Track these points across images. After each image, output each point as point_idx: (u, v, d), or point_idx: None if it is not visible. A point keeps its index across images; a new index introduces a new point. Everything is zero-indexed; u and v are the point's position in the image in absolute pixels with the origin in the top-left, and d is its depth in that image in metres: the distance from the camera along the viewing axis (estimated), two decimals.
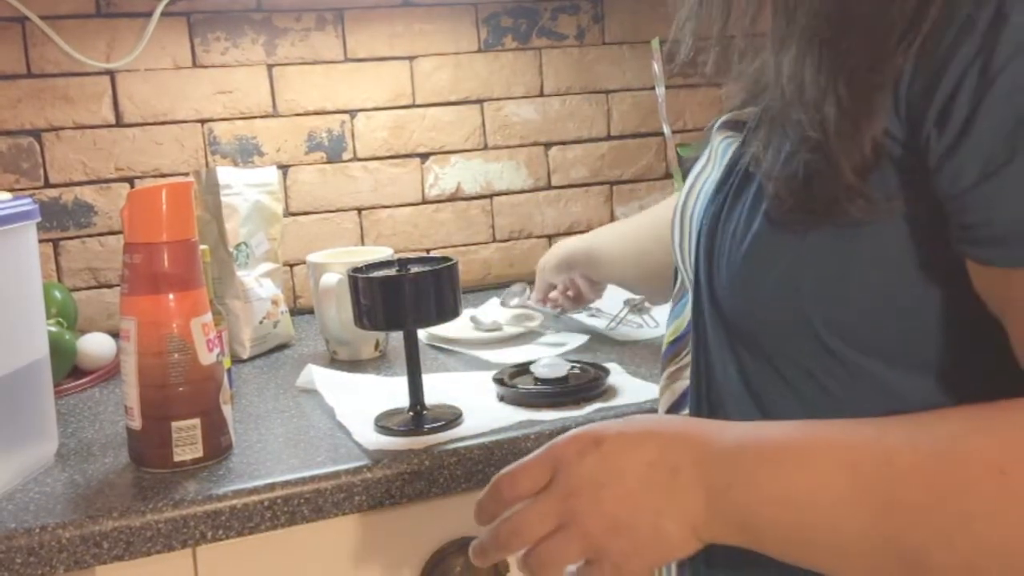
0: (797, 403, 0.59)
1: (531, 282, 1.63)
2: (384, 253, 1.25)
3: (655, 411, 0.97)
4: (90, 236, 1.42)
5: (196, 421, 0.89)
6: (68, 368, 1.20)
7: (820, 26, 0.55)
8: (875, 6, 0.53)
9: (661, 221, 1.08)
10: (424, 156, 1.57)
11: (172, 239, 0.88)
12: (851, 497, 0.51)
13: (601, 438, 0.58)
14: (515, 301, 1.34)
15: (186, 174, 1.44)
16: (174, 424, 0.88)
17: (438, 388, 1.05)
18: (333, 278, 1.18)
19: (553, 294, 1.31)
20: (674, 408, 0.71)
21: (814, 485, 0.52)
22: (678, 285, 0.74)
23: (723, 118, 0.71)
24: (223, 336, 1.03)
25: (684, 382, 0.69)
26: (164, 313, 0.87)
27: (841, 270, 0.55)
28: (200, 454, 0.89)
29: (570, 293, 1.29)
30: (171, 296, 0.88)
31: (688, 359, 0.69)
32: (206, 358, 0.89)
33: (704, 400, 0.65)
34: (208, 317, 0.91)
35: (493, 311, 1.37)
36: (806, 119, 0.55)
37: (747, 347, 0.61)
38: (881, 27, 0.52)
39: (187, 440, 0.88)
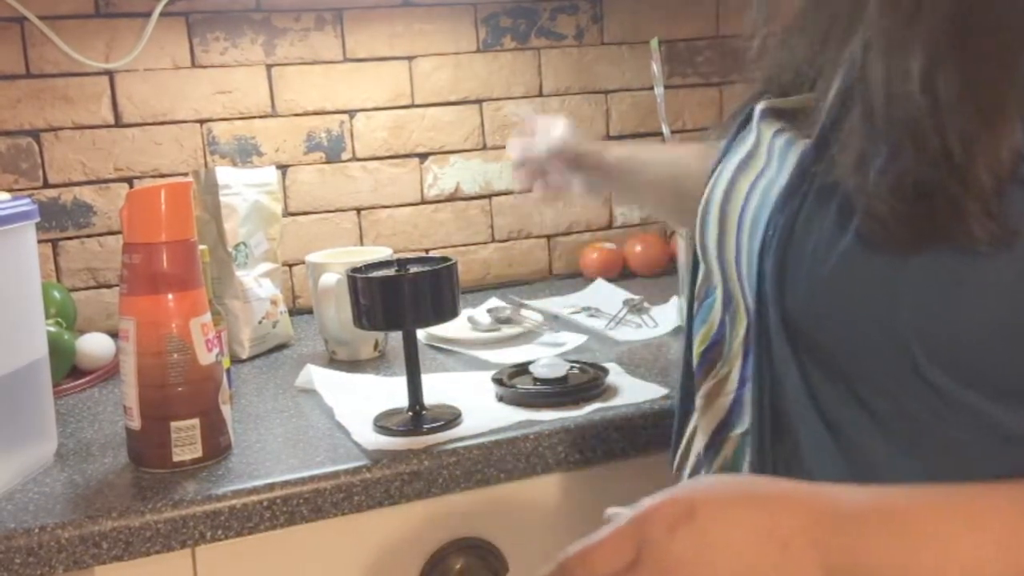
0: (879, 432, 0.54)
1: (527, 283, 1.63)
2: (383, 253, 1.25)
3: (667, 419, 0.98)
4: (89, 236, 1.42)
5: (195, 421, 0.89)
6: (67, 368, 1.20)
7: (949, 28, 0.51)
8: (1004, 6, 0.50)
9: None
10: (423, 156, 1.57)
11: (171, 239, 0.88)
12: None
13: (694, 507, 0.50)
14: (506, 313, 1.33)
15: (185, 174, 1.44)
16: (173, 424, 0.88)
17: (437, 388, 1.05)
18: (332, 278, 1.18)
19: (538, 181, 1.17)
20: (721, 430, 0.65)
21: (944, 561, 0.47)
22: (700, 281, 0.69)
23: (763, 105, 0.65)
24: (222, 336, 1.03)
25: (726, 398, 0.64)
26: (163, 313, 0.87)
27: (950, 297, 0.49)
28: (199, 454, 0.89)
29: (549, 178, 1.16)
30: (170, 296, 0.88)
31: (726, 371, 0.64)
32: (205, 358, 0.89)
33: (768, 423, 0.59)
34: (207, 317, 0.91)
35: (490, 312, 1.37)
36: (932, 126, 0.50)
37: (824, 370, 0.56)
38: (1012, 28, 0.49)
39: (186, 440, 0.88)
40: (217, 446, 0.90)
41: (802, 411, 0.56)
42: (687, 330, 0.72)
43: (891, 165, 0.51)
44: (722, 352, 0.65)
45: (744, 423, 0.63)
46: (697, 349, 0.68)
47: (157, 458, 0.89)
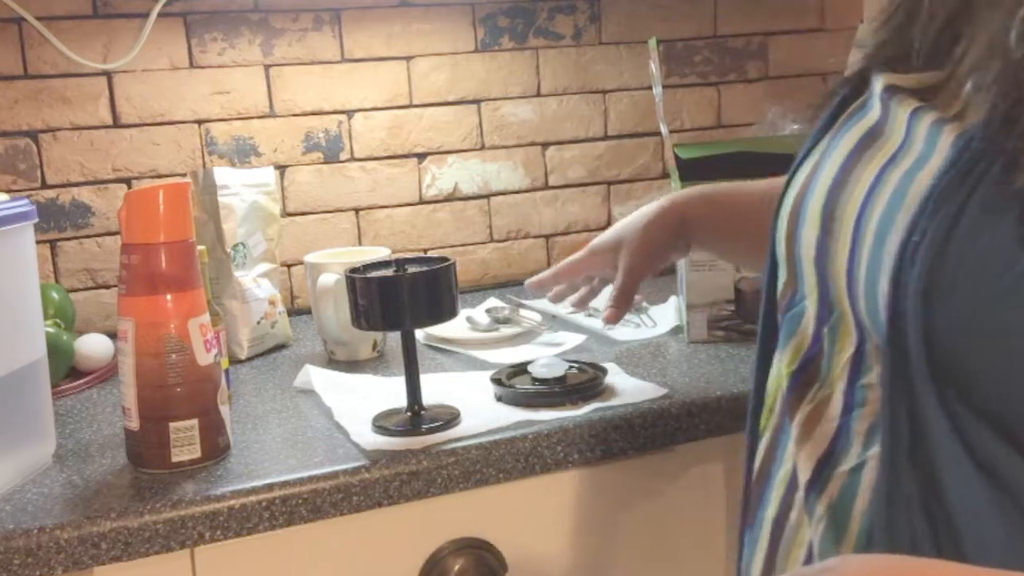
0: None
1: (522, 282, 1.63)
2: (381, 253, 1.25)
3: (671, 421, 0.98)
4: (87, 237, 1.42)
5: (194, 422, 0.89)
6: (66, 369, 1.20)
7: None
8: None
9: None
10: (421, 156, 1.57)
11: (169, 240, 0.88)
12: None
13: None
14: (505, 313, 1.33)
15: (183, 175, 1.44)
16: (172, 425, 0.88)
17: (436, 388, 1.05)
18: (331, 278, 1.18)
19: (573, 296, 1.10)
20: (825, 465, 0.56)
21: None
22: (781, 288, 0.62)
23: (885, 80, 0.57)
24: (221, 337, 1.03)
25: (828, 426, 0.56)
26: (162, 314, 0.87)
27: None
28: (198, 455, 0.89)
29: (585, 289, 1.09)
30: (169, 297, 0.88)
31: (826, 394, 0.56)
32: (204, 358, 0.89)
33: (906, 466, 0.49)
34: (206, 317, 0.91)
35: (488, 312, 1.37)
36: None
37: (976, 404, 0.46)
38: None
39: (185, 441, 0.88)
40: (216, 447, 0.90)
41: (945, 448, 0.47)
42: (760, 344, 0.64)
43: None
44: (818, 372, 0.57)
45: (852, 457, 0.54)
46: (787, 368, 0.59)
47: (156, 459, 0.89)
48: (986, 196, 0.46)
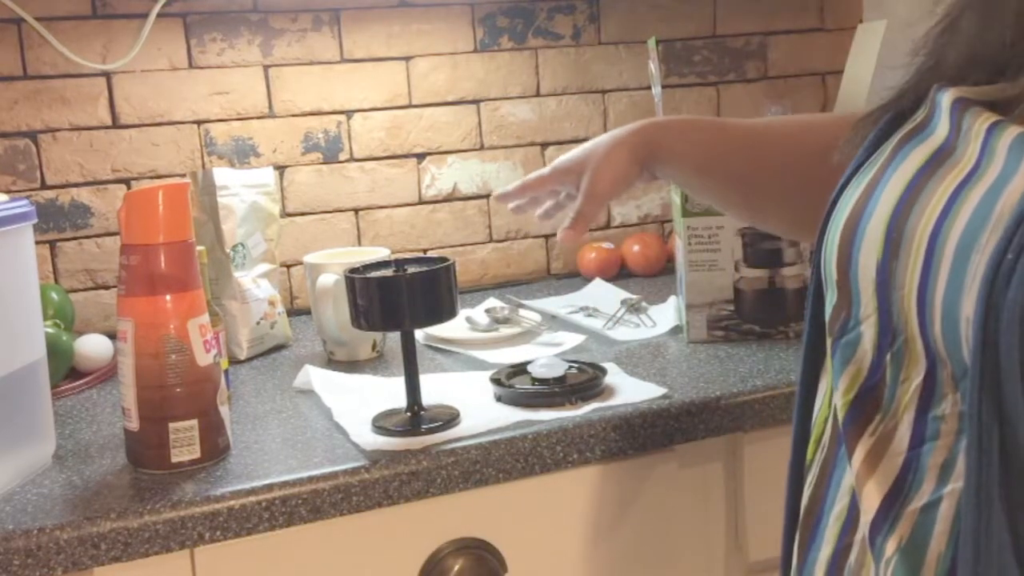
0: None
1: (525, 282, 1.63)
2: (381, 253, 1.25)
3: (662, 412, 0.98)
4: (87, 237, 1.42)
5: (194, 422, 0.89)
6: (65, 369, 1.20)
7: None
8: None
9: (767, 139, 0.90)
10: (421, 156, 1.57)
11: (169, 240, 0.88)
12: None
13: None
14: (504, 313, 1.33)
15: (183, 175, 1.44)
16: (171, 425, 0.88)
17: (435, 388, 1.05)
18: (330, 279, 1.18)
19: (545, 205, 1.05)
20: (892, 501, 0.52)
21: None
22: (832, 311, 0.58)
23: (955, 93, 0.54)
24: (220, 337, 1.03)
25: (895, 460, 0.52)
26: (161, 314, 0.87)
27: None
28: (197, 455, 0.89)
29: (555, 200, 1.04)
30: (168, 297, 0.88)
31: (891, 426, 0.53)
32: (203, 359, 0.89)
33: (997, 507, 0.45)
34: (205, 318, 0.91)
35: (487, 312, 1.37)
36: None
37: None
38: None
39: (185, 441, 0.88)
40: (215, 447, 0.90)
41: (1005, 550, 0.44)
42: (804, 372, 0.62)
43: None
44: (880, 402, 0.54)
45: (925, 494, 0.50)
46: (843, 397, 0.55)
47: (155, 459, 0.89)
48: None
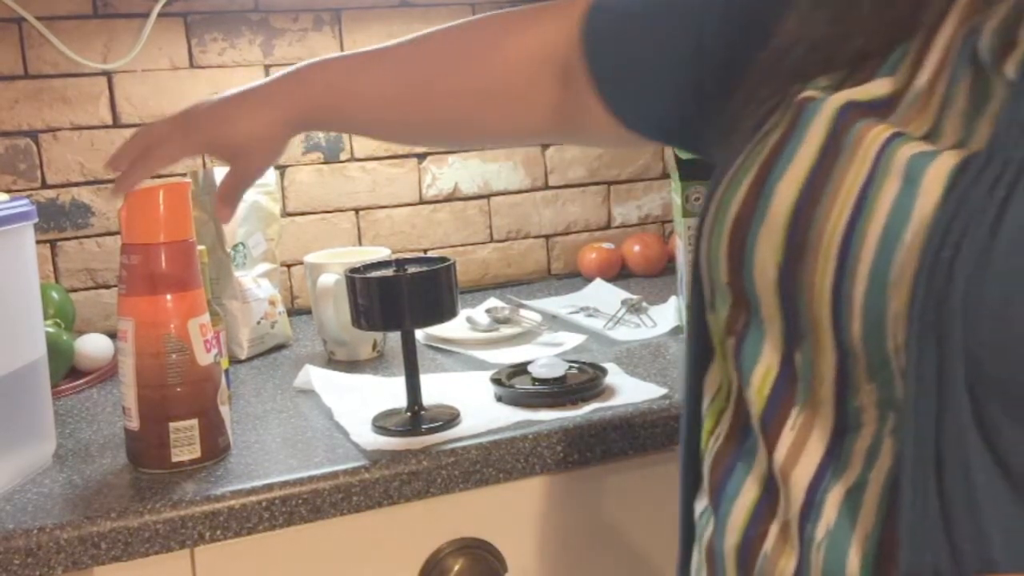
0: None
1: (525, 283, 1.63)
2: (382, 253, 1.25)
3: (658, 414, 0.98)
4: (87, 237, 1.42)
5: (194, 422, 0.89)
6: (66, 369, 1.20)
7: None
8: None
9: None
10: (421, 156, 1.57)
11: (170, 240, 0.88)
12: None
13: None
14: (505, 313, 1.33)
15: (183, 175, 1.44)
16: (172, 425, 0.88)
17: (436, 388, 1.05)
18: (331, 278, 1.18)
19: None
20: (815, 489, 0.53)
21: None
22: (728, 312, 0.59)
23: (842, 99, 0.55)
24: (221, 337, 1.03)
25: (817, 450, 0.54)
26: (162, 314, 0.87)
27: None
28: (198, 455, 0.89)
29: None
30: (169, 297, 0.88)
31: (803, 417, 0.54)
32: (204, 358, 0.89)
33: (933, 486, 0.46)
34: (206, 317, 0.91)
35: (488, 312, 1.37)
36: None
37: (1013, 411, 0.45)
38: None
39: (185, 441, 0.88)
40: (216, 447, 0.90)
41: (978, 462, 0.46)
42: (691, 368, 0.63)
43: None
44: (794, 398, 0.55)
45: (851, 478, 0.52)
46: (758, 395, 0.56)
47: (156, 459, 0.89)
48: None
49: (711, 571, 0.60)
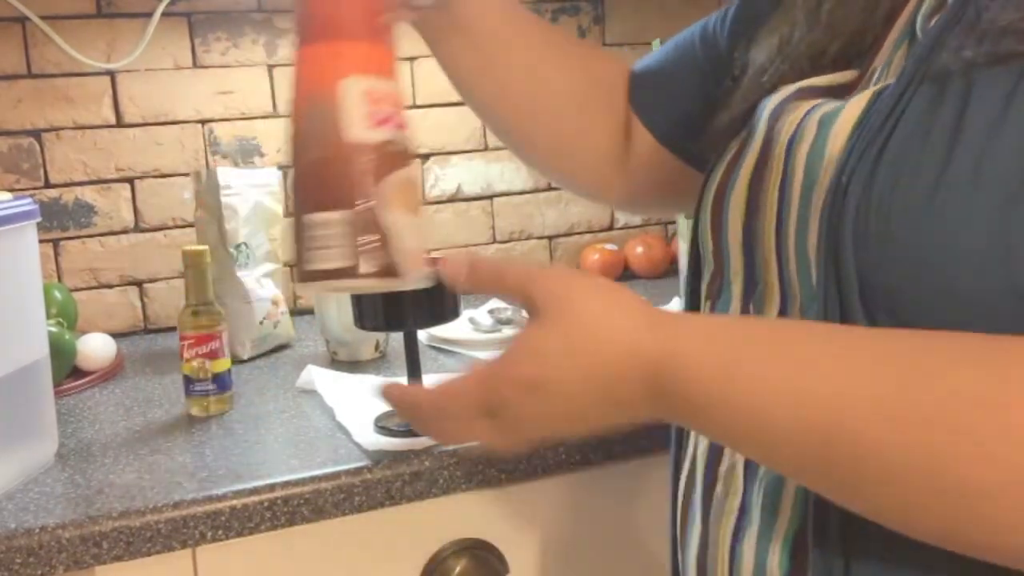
0: None
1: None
2: None
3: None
4: (90, 236, 1.42)
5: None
6: (68, 369, 1.20)
7: None
8: None
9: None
10: (425, 157, 1.57)
11: None
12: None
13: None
14: (507, 314, 1.33)
15: (187, 174, 1.44)
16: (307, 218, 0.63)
17: None
18: None
19: None
20: None
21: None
22: (709, 280, 0.65)
23: (784, 93, 0.61)
24: (223, 336, 1.03)
25: None
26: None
27: None
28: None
29: None
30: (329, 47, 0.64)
31: None
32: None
33: None
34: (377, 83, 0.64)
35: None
36: None
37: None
38: None
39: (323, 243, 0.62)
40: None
41: None
42: None
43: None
44: None
45: None
46: None
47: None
48: (908, 129, 0.48)
49: (689, 487, 0.65)
